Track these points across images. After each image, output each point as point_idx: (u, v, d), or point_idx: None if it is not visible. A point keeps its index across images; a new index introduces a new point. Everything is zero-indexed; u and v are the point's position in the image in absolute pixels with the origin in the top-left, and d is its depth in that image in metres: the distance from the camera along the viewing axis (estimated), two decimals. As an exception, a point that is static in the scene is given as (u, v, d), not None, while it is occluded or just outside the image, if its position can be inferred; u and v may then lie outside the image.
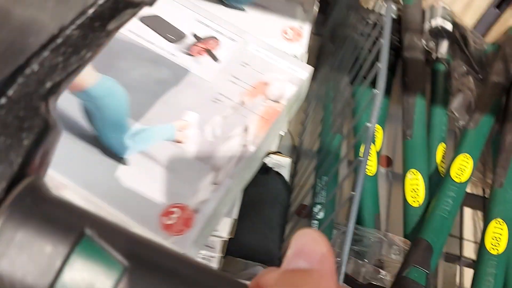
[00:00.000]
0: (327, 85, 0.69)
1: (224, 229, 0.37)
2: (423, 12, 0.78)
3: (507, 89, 0.72)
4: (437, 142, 0.67)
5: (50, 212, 0.17)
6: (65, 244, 0.16)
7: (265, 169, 0.52)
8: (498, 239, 0.57)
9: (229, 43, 0.42)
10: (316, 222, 0.60)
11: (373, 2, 0.71)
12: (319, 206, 0.61)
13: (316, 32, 0.73)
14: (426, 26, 0.76)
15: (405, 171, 0.63)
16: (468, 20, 0.86)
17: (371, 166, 0.64)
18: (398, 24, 0.77)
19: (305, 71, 0.42)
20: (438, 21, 0.75)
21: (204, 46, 0.41)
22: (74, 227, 0.17)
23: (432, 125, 0.68)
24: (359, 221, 0.61)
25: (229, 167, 0.36)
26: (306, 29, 0.49)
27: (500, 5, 0.81)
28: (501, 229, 0.58)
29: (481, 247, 0.58)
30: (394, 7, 0.81)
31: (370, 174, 0.64)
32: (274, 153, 0.60)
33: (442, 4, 0.77)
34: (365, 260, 0.58)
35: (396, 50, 0.75)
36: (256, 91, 0.40)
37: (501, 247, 0.57)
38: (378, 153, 0.65)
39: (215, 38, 0.42)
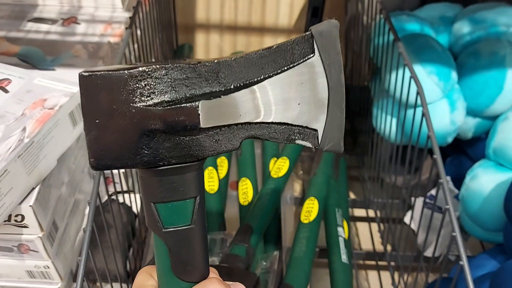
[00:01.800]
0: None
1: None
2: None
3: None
4: (269, 157, 0.78)
5: None
6: None
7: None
8: (310, 212, 0.66)
9: (18, 80, 0.55)
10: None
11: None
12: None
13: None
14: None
15: (238, 180, 0.73)
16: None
17: (213, 185, 0.72)
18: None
19: (76, 87, 0.55)
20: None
21: (-2, 85, 0.54)
22: None
23: (265, 143, 0.80)
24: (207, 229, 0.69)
25: (6, 154, 0.47)
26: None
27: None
28: (313, 204, 0.67)
29: (298, 222, 0.66)
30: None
31: (212, 192, 0.73)
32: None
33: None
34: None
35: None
36: (35, 105, 0.52)
37: (312, 217, 0.66)
38: (225, 179, 0.75)
39: (8, 79, 0.55)
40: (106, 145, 0.27)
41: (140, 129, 0.27)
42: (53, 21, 0.71)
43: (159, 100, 0.27)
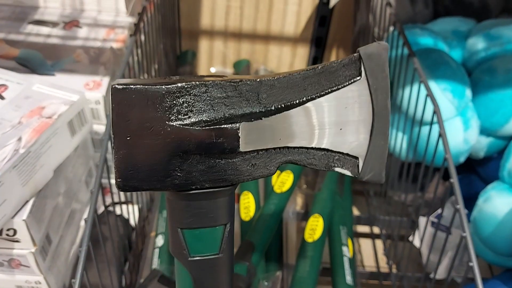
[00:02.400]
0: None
1: None
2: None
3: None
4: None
5: None
6: None
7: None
8: (314, 230, 0.64)
9: (16, 86, 0.53)
10: (157, 249, 0.65)
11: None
12: (160, 236, 0.67)
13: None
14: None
15: (240, 193, 0.71)
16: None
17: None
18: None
19: (76, 95, 0.52)
20: (261, 79, 0.89)
21: (-6, 91, 0.52)
22: None
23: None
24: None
25: (1, 165, 0.44)
26: (105, 80, 0.61)
27: (315, 62, 0.98)
28: (317, 221, 0.65)
29: (302, 240, 0.64)
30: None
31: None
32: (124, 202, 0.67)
33: (263, 66, 0.92)
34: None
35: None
36: (33, 113, 0.50)
37: (316, 235, 0.63)
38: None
39: (5, 84, 0.53)
40: (136, 165, 0.25)
41: (174, 150, 0.25)
42: (54, 24, 0.68)
43: (197, 120, 0.25)
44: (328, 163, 0.29)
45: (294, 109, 0.27)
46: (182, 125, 0.25)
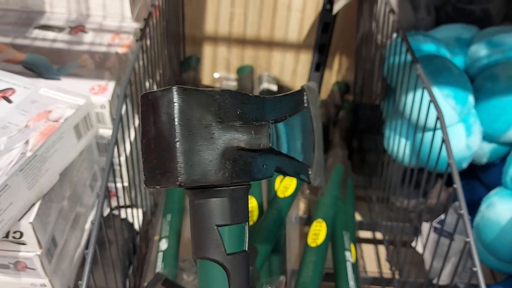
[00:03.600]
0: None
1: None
2: (253, 81, 0.93)
3: (327, 126, 0.84)
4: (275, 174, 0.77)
5: None
6: None
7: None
8: (317, 235, 0.64)
9: (22, 90, 0.53)
10: (161, 253, 0.66)
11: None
12: (164, 239, 0.67)
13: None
14: (257, 91, 0.90)
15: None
16: (300, 84, 1.02)
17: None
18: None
19: (82, 99, 0.53)
20: (265, 85, 0.90)
21: (1, 94, 0.52)
22: None
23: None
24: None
25: (8, 168, 0.44)
26: (111, 84, 0.61)
27: (318, 68, 0.98)
28: (320, 226, 0.65)
29: (305, 244, 0.64)
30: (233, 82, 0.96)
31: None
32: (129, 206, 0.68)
33: (266, 72, 0.92)
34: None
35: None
36: (39, 117, 0.50)
37: (320, 240, 0.64)
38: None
39: (12, 88, 0.53)
40: (196, 158, 0.28)
41: (225, 145, 0.29)
42: (60, 29, 0.69)
43: (245, 119, 0.30)
44: (296, 170, 0.35)
45: (281, 122, 0.34)
46: (230, 123, 0.29)
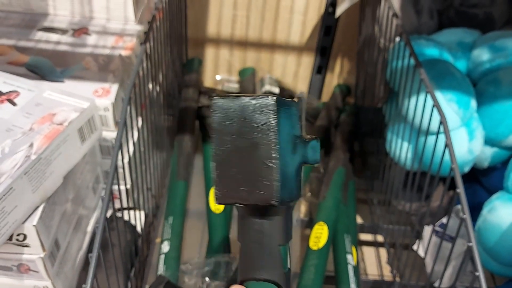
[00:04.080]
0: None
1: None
2: (255, 83, 0.93)
3: (328, 129, 0.85)
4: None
5: None
6: None
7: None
8: (319, 238, 0.64)
9: (27, 93, 0.53)
10: (162, 255, 0.66)
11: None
12: (166, 242, 0.67)
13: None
14: (259, 93, 0.90)
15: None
16: (302, 86, 1.02)
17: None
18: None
19: (86, 102, 0.53)
20: (266, 87, 0.90)
21: (6, 97, 0.52)
22: None
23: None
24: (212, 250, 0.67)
25: (12, 171, 0.45)
26: (114, 87, 0.62)
27: (320, 71, 0.99)
28: (322, 229, 0.65)
29: (306, 247, 0.64)
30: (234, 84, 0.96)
31: (218, 212, 0.71)
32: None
33: (268, 74, 0.93)
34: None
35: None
36: (44, 120, 0.50)
37: (321, 243, 0.64)
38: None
39: (17, 91, 0.53)
40: (286, 175, 0.27)
41: (300, 161, 0.28)
42: (63, 31, 0.69)
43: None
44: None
45: None
46: (302, 136, 0.28)
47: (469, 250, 0.44)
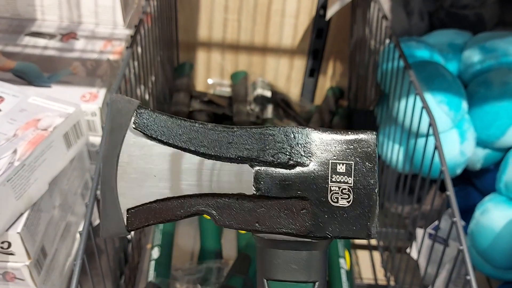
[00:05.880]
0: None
1: None
2: (247, 87, 0.92)
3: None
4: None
5: None
6: None
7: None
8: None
9: (11, 98, 0.53)
10: (153, 262, 0.65)
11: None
12: (156, 248, 0.66)
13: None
14: (251, 97, 0.90)
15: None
16: (295, 90, 1.02)
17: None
18: (230, 99, 0.91)
19: (72, 107, 0.52)
20: (259, 91, 0.90)
21: (-10, 103, 0.52)
22: None
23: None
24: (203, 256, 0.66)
25: (-6, 179, 0.44)
26: (102, 92, 0.61)
27: (312, 74, 0.98)
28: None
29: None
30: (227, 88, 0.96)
31: (208, 218, 0.71)
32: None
33: (261, 78, 0.92)
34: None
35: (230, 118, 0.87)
36: (28, 125, 0.50)
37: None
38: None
39: (1, 97, 0.53)
40: None
41: None
42: (51, 36, 0.69)
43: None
44: None
45: None
46: None
47: (460, 254, 0.43)
